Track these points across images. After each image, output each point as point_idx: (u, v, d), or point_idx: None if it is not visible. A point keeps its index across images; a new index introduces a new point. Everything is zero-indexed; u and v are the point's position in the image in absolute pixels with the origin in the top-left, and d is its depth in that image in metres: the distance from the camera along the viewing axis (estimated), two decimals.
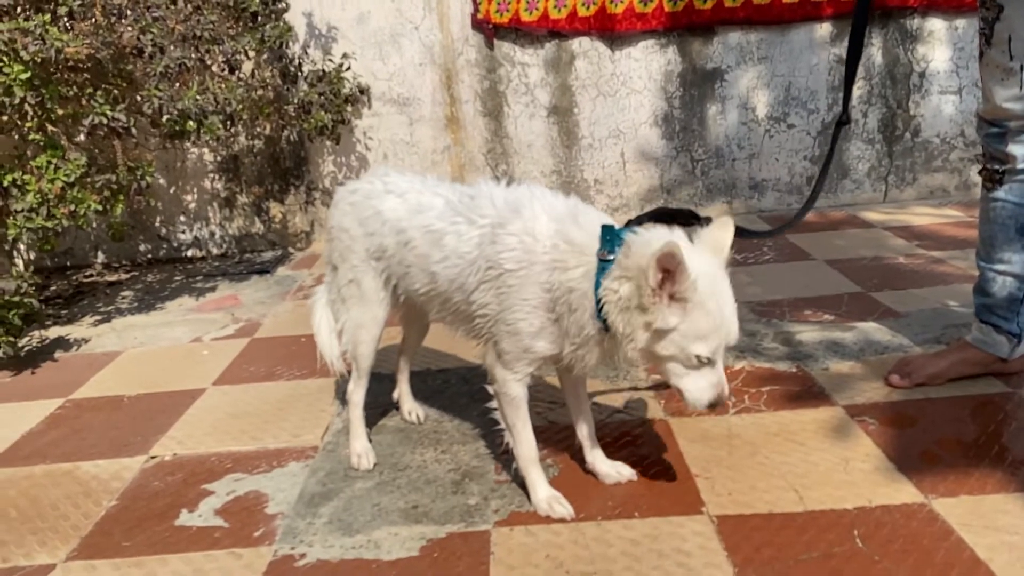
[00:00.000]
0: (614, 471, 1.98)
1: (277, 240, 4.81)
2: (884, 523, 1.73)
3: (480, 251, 1.77)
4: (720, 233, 1.67)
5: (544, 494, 1.87)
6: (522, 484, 1.94)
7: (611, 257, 1.61)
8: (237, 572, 1.75)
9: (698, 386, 1.61)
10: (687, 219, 2.09)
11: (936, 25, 4.54)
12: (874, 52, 4.58)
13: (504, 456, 2.11)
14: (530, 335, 1.74)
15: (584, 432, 2.01)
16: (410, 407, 2.42)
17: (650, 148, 4.70)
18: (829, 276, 3.47)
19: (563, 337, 1.72)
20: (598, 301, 1.61)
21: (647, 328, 1.56)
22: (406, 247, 1.93)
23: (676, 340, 1.57)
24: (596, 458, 2.01)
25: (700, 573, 1.62)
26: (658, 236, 1.58)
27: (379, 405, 2.49)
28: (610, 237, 1.64)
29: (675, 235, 1.59)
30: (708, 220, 1.76)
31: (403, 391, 2.43)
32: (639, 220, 1.79)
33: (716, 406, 1.63)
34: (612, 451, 2.07)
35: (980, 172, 2.25)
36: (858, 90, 4.63)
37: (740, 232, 2.11)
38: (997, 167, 2.15)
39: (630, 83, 4.62)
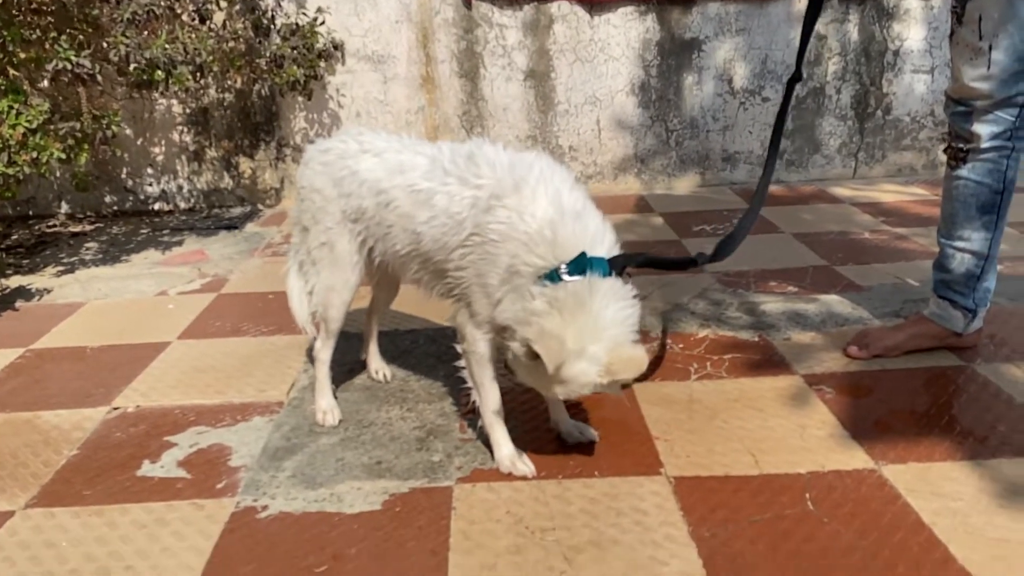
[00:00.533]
0: (576, 431, 2.02)
1: (246, 196, 4.75)
2: (835, 487, 1.78)
3: (470, 214, 1.74)
4: (623, 365, 1.64)
5: (507, 451, 1.90)
6: (486, 442, 1.97)
7: (564, 277, 1.61)
8: (199, 523, 1.76)
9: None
10: (683, 267, 2.13)
11: (912, 4, 4.56)
12: (850, 28, 4.60)
13: (469, 415, 2.13)
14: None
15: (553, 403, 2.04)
16: (377, 366, 2.42)
17: (626, 116, 4.70)
18: (796, 249, 3.52)
19: None
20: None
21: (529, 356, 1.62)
22: (387, 208, 1.90)
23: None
24: (560, 418, 2.04)
25: (656, 531, 1.66)
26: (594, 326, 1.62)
27: (346, 363, 2.50)
28: (580, 262, 1.63)
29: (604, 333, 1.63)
30: (709, 258, 1.87)
31: (371, 350, 2.44)
32: (628, 259, 1.74)
33: None
34: (575, 412, 2.10)
35: (945, 150, 2.28)
36: (832, 66, 4.66)
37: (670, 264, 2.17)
38: (962, 146, 2.18)
39: (608, 50, 4.59)
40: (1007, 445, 1.91)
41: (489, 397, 1.90)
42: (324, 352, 2.20)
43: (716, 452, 1.94)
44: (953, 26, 2.11)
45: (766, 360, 2.44)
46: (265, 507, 1.81)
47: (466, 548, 1.63)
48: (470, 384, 1.92)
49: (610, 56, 4.60)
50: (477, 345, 1.84)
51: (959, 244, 2.27)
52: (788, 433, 2.02)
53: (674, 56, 4.63)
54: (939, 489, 1.76)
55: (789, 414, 2.11)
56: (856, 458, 1.90)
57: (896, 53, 4.65)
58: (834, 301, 2.87)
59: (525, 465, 1.88)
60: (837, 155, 4.83)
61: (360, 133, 2.06)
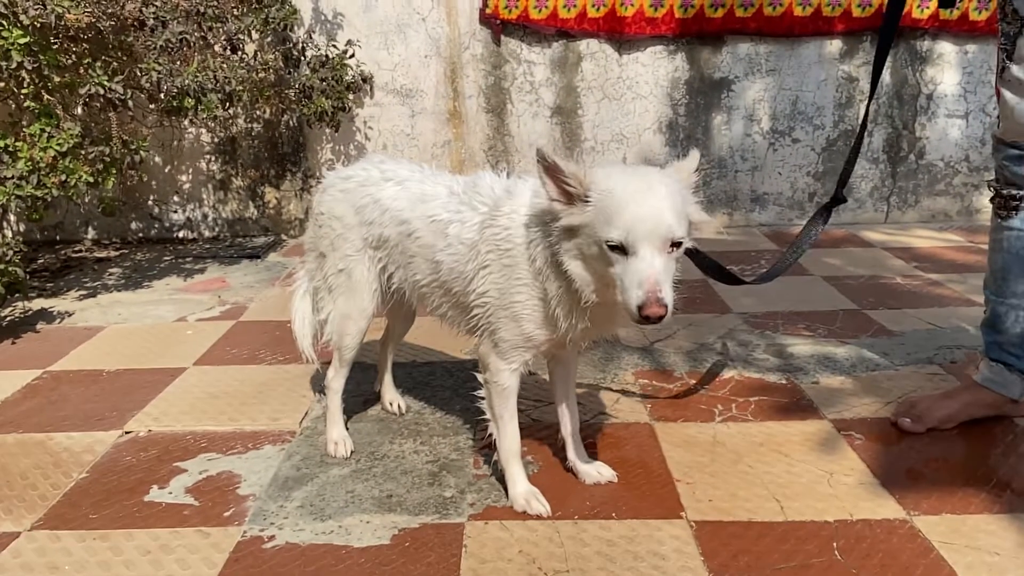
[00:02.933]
0: (594, 471, 1.95)
1: (270, 226, 4.77)
2: (864, 537, 1.69)
3: (480, 235, 1.74)
4: (685, 163, 1.61)
5: (522, 489, 1.84)
6: (501, 479, 1.91)
7: None
8: (203, 550, 1.71)
9: (627, 284, 1.46)
10: (728, 280, 2.10)
11: (946, 48, 4.52)
12: (883, 71, 4.55)
13: (485, 450, 2.07)
14: (529, 319, 1.71)
15: (568, 429, 1.98)
16: (391, 397, 2.38)
17: (653, 154, 4.67)
18: (825, 292, 3.44)
19: (553, 316, 1.69)
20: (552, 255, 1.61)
21: (570, 238, 1.55)
22: (409, 237, 1.88)
23: (589, 234, 1.52)
24: (578, 456, 1.97)
25: None
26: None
27: (361, 394, 2.46)
28: None
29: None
30: (760, 278, 1.90)
31: (385, 381, 2.39)
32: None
33: (644, 307, 1.43)
34: (595, 452, 2.04)
35: (992, 199, 2.09)
36: (864, 108, 4.61)
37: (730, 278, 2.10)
38: (1015, 192, 1.99)
39: (636, 88, 4.59)
40: None
41: (507, 432, 1.84)
42: (336, 381, 2.16)
43: (739, 497, 1.86)
44: (1003, 63, 1.95)
45: (793, 404, 2.36)
46: (272, 537, 1.76)
47: None
48: (488, 417, 1.87)
49: (638, 94, 4.60)
50: (500, 376, 1.79)
51: (1013, 301, 2.07)
52: (815, 479, 1.93)
53: (703, 95, 4.61)
54: (975, 542, 1.67)
55: (816, 460, 2.03)
56: (886, 507, 1.81)
57: (929, 97, 4.60)
58: (865, 346, 2.79)
59: (540, 504, 1.81)
60: (869, 199, 4.76)
61: (382, 161, 2.05)
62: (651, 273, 1.44)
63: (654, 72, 4.57)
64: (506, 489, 1.87)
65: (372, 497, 1.90)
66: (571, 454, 1.98)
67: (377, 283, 2.02)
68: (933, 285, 3.50)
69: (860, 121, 2.15)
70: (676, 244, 1.48)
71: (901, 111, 4.62)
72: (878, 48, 2.08)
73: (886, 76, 4.56)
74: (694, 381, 2.53)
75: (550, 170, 1.53)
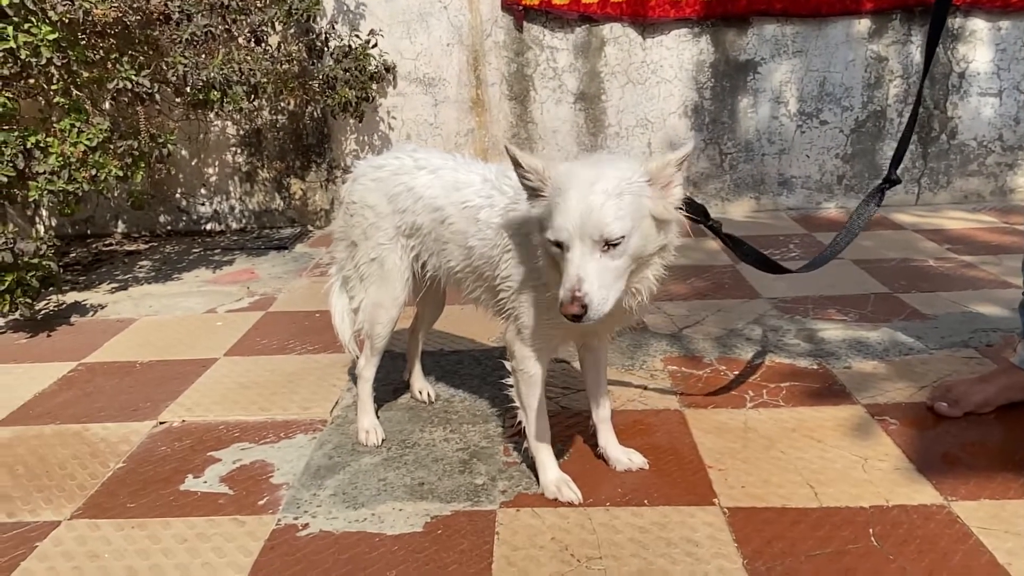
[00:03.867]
0: (625, 457, 1.94)
1: (296, 217, 4.79)
2: (901, 523, 1.67)
3: (504, 219, 1.75)
4: (665, 156, 1.53)
5: (553, 476, 1.84)
6: (531, 466, 1.91)
7: None
8: (239, 539, 1.73)
9: (562, 281, 1.47)
10: (769, 268, 2.08)
11: (978, 25, 4.42)
12: (912, 50, 4.47)
13: (514, 437, 2.08)
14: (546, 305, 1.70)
15: (600, 415, 1.97)
16: (421, 386, 2.39)
17: (678, 139, 4.63)
18: (856, 276, 3.40)
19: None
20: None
21: (541, 232, 1.54)
22: (443, 224, 1.89)
23: (544, 229, 1.52)
24: (609, 443, 1.97)
25: (708, 563, 1.57)
26: None
27: (390, 383, 2.47)
28: None
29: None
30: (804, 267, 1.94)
31: (414, 370, 2.40)
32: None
33: (562, 306, 1.43)
34: (625, 438, 2.03)
35: None
36: (894, 88, 4.53)
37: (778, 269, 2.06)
38: None
39: (660, 72, 4.55)
40: None
41: (536, 420, 1.84)
42: (368, 370, 2.17)
43: (772, 483, 1.85)
44: None
45: (825, 389, 2.33)
46: (306, 525, 1.77)
47: (509, 574, 1.57)
48: (516, 404, 1.87)
49: (662, 78, 4.55)
50: (526, 364, 1.79)
51: None
52: (849, 465, 1.91)
53: (728, 78, 4.56)
54: (1015, 527, 1.64)
55: (850, 445, 2.00)
56: (923, 493, 1.78)
57: (962, 75, 4.50)
58: (898, 329, 2.75)
59: (571, 491, 1.81)
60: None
61: (414, 149, 2.05)
62: (573, 272, 1.44)
63: (679, 55, 4.52)
64: (537, 477, 1.87)
65: (404, 485, 1.91)
66: (602, 440, 1.98)
67: (409, 271, 2.03)
68: (967, 267, 3.44)
69: (915, 99, 2.10)
70: (612, 244, 1.44)
71: (932, 90, 4.53)
72: (931, 22, 2.01)
73: (915, 54, 4.47)
74: (724, 367, 2.51)
75: (515, 163, 1.54)
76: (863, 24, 4.45)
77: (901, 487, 1.81)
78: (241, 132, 4.61)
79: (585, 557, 1.61)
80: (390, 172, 2.00)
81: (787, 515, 1.72)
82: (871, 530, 1.65)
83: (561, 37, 4.50)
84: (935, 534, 1.63)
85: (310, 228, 4.77)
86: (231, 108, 3.69)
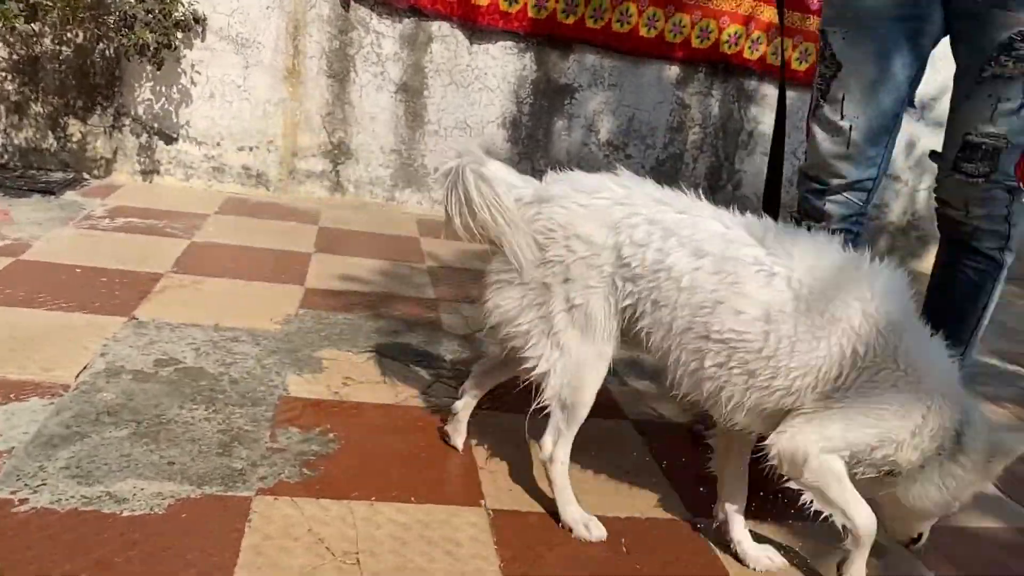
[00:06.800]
0: (765, 556, 1.73)
1: (71, 162, 4.29)
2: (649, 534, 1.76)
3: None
4: None
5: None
6: (296, 455, 1.80)
7: None
8: None
9: None
10: None
11: (770, 91, 4.87)
12: (712, 103, 4.84)
13: (283, 424, 1.95)
14: None
15: (734, 508, 1.77)
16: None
17: (494, 148, 4.67)
18: None
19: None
20: None
21: None
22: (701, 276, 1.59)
23: None
24: (743, 538, 1.75)
25: (466, 563, 1.56)
26: None
27: (151, 353, 2.24)
28: None
29: None
30: None
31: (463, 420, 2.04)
32: None
33: None
34: (403, 435, 1.98)
35: None
36: (692, 135, 4.87)
37: None
38: (811, 225, 2.13)
39: (484, 79, 4.57)
40: None
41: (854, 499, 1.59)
42: (562, 449, 1.74)
43: (540, 489, 1.87)
44: (817, 101, 2.12)
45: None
46: (24, 500, 1.55)
47: (256, 565, 1.46)
48: (827, 513, 1.58)
49: (485, 86, 4.58)
50: (832, 463, 1.54)
51: None
52: (614, 475, 1.98)
53: (548, 98, 4.68)
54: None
55: (617, 457, 2.08)
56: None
57: (751, 134, 4.93)
58: None
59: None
60: None
61: (644, 182, 1.75)
62: None
63: (503, 67, 4.58)
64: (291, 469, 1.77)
65: (151, 463, 1.73)
66: (738, 534, 1.76)
67: (618, 324, 1.67)
68: None
69: (769, 157, 2.24)
70: None
71: (725, 143, 4.92)
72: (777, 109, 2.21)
73: (715, 108, 4.84)
74: None
75: None
76: (673, 71, 4.75)
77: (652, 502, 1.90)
78: (14, 57, 4.06)
79: (341, 551, 1.54)
80: (612, 201, 1.66)
81: (548, 521, 1.75)
82: (623, 540, 1.72)
83: (389, 24, 4.39)
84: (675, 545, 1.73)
85: (86, 176, 4.29)
86: (2, 24, 3.23)
